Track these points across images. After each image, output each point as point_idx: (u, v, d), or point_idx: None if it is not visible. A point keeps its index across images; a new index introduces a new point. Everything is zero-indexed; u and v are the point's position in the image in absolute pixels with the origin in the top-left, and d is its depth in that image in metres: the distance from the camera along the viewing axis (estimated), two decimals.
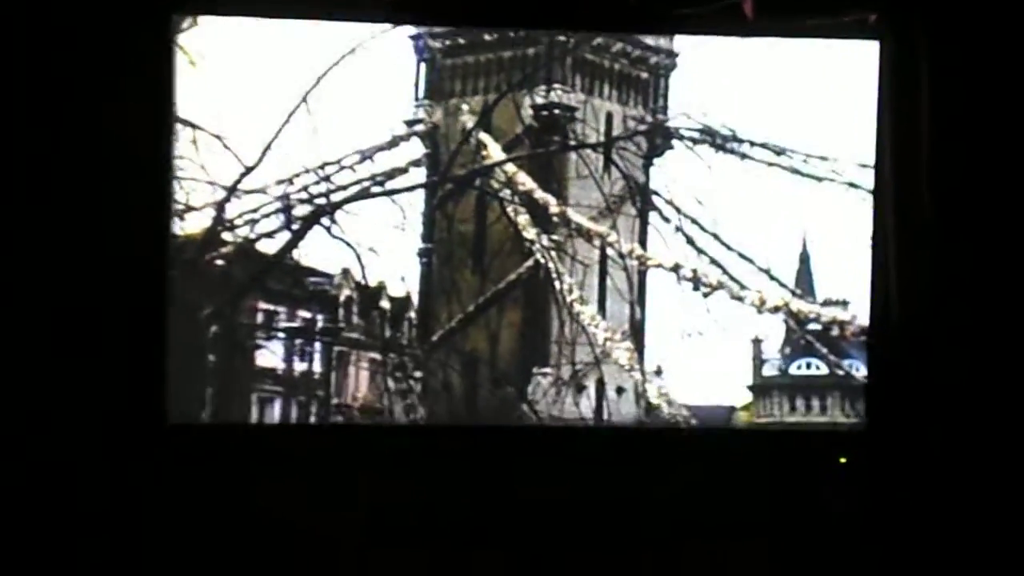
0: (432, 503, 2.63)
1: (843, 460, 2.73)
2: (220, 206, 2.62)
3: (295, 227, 2.65)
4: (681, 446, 2.77)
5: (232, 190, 2.62)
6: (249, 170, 2.63)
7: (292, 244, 2.65)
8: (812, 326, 2.86)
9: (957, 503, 2.61)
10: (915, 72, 2.70)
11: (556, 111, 2.79)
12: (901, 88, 2.72)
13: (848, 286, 2.83)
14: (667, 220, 2.81)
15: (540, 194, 2.79)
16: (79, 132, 2.53)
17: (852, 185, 2.78)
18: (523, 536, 2.63)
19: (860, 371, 2.86)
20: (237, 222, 2.65)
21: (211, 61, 2.60)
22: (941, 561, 2.58)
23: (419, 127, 2.74)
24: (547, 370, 2.76)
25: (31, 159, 2.53)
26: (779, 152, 2.78)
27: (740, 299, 2.79)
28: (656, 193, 2.81)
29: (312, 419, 2.71)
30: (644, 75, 2.85)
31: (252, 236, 2.65)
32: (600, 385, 2.79)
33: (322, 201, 2.67)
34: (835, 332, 2.84)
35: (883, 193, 2.74)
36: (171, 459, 2.56)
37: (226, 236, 2.64)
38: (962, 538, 2.59)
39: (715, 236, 2.81)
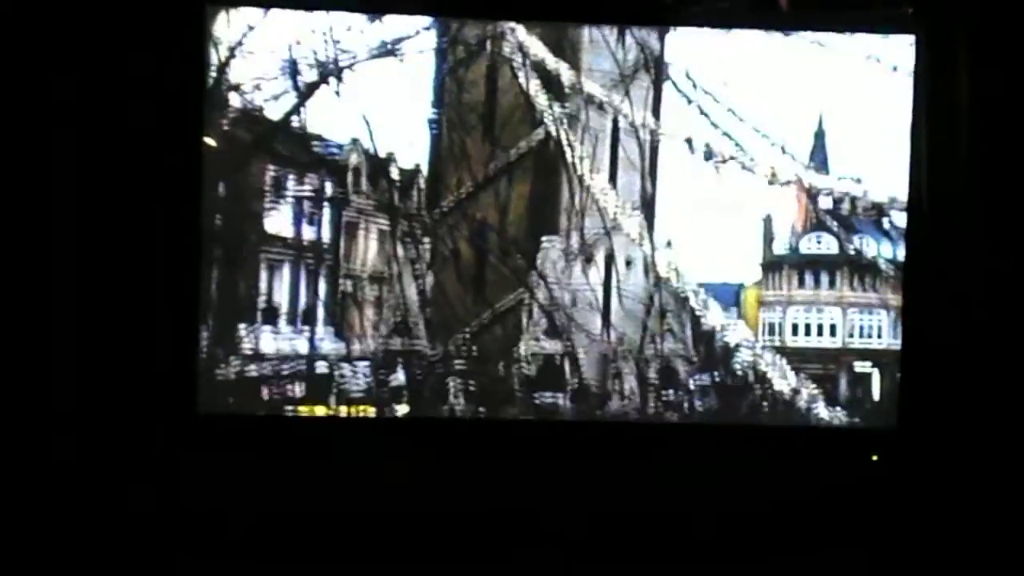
0: (461, 494, 2.64)
1: (875, 458, 2.72)
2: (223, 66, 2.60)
3: (302, 88, 2.63)
4: (707, 443, 2.75)
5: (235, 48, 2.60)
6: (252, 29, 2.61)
7: (299, 105, 2.63)
8: (824, 202, 2.84)
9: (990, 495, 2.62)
10: (951, 65, 2.66)
11: None
12: (937, 83, 2.68)
13: (862, 163, 2.80)
14: (681, 92, 2.77)
15: (552, 62, 2.74)
16: (114, 127, 2.52)
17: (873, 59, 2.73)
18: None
19: (869, 247, 2.86)
20: (245, 86, 2.63)
21: None
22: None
23: None
24: (556, 240, 2.75)
25: (66, 149, 2.52)
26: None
27: (752, 171, 2.76)
28: (670, 64, 2.76)
29: (321, 285, 2.74)
30: None
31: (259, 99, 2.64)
32: (609, 257, 2.79)
33: (330, 64, 2.64)
34: (847, 207, 2.82)
35: (920, 201, 2.71)
36: (200, 448, 2.59)
37: (232, 99, 2.63)
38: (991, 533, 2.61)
39: (729, 109, 2.77)
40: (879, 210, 2.79)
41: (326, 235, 2.73)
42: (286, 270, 2.71)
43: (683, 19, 2.74)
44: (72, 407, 2.53)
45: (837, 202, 2.82)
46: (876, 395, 2.82)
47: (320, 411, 2.69)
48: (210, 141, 2.61)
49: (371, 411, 2.69)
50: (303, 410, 2.69)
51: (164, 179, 2.55)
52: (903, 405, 2.72)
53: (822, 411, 2.76)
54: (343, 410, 2.68)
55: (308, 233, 2.73)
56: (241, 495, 2.58)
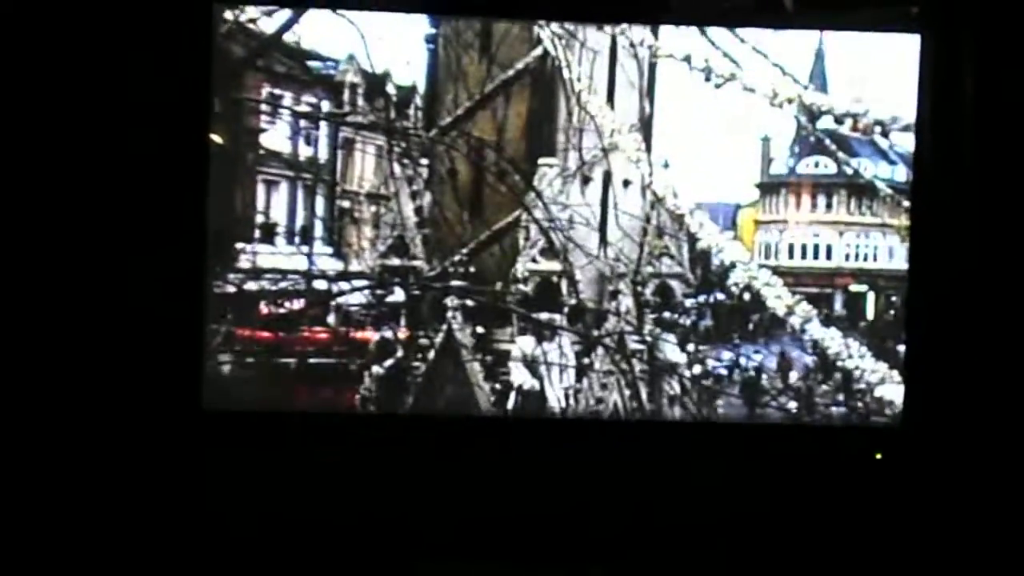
0: (464, 491, 2.68)
1: (879, 456, 2.72)
2: None
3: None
4: (707, 441, 2.76)
5: None
6: None
7: (293, 20, 2.60)
8: (823, 123, 2.83)
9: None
10: (957, 65, 2.66)
11: None
12: (943, 82, 2.67)
13: (863, 83, 2.78)
14: None
15: None
16: (120, 124, 2.53)
17: None
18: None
19: (868, 170, 2.85)
20: None
21: None
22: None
23: None
24: (553, 160, 2.75)
25: (70, 145, 2.53)
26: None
27: (752, 90, 2.74)
28: None
29: (319, 203, 2.73)
30: None
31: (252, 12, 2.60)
32: (606, 177, 2.78)
33: None
34: (847, 127, 2.81)
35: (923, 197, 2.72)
36: (205, 445, 2.60)
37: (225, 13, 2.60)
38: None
39: (729, 28, 2.75)
40: (882, 127, 2.78)
41: (323, 153, 2.73)
42: (283, 188, 2.71)
43: (686, 19, 2.73)
44: (73, 402, 2.55)
45: (838, 121, 2.81)
46: (871, 315, 2.85)
47: (321, 333, 2.72)
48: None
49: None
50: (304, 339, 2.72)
51: (169, 178, 2.56)
52: (908, 403, 2.72)
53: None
54: (342, 330, 2.71)
55: (305, 151, 2.73)
56: (246, 492, 2.61)
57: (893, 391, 2.75)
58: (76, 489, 2.56)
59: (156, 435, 2.57)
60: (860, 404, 2.76)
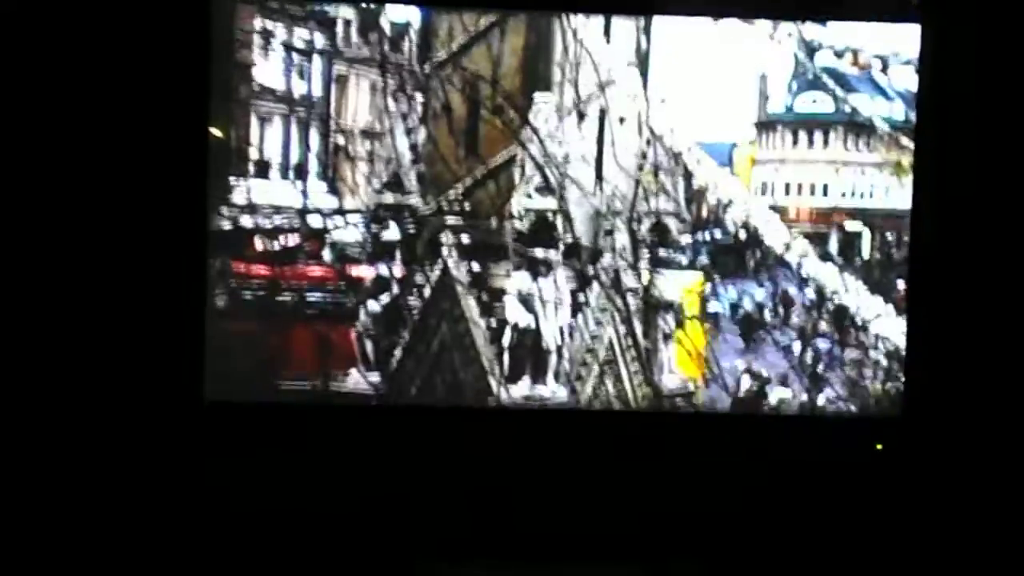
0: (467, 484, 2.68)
1: (879, 447, 2.72)
2: None
3: None
4: (707, 431, 2.76)
5: None
6: None
7: None
8: (822, 58, 2.81)
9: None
10: (958, 55, 2.65)
11: None
12: (943, 72, 2.67)
13: (862, 15, 2.76)
14: None
15: None
16: (119, 119, 2.53)
17: None
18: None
19: (866, 108, 2.84)
20: None
21: None
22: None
23: None
24: (549, 96, 2.73)
25: (70, 139, 2.54)
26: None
27: (751, 24, 2.72)
28: None
29: (313, 139, 2.71)
30: None
31: None
32: (602, 113, 2.76)
33: None
34: (847, 62, 2.79)
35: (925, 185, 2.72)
36: (208, 437, 2.60)
37: None
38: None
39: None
40: (882, 62, 2.76)
41: (317, 89, 2.71)
42: (277, 123, 2.69)
43: (683, 9, 2.71)
44: (76, 394, 2.57)
45: (837, 55, 2.79)
46: (866, 253, 2.85)
47: (316, 272, 2.72)
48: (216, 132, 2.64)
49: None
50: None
51: (167, 173, 2.56)
52: (908, 393, 2.73)
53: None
54: (337, 267, 2.71)
55: (299, 87, 2.71)
56: (251, 485, 2.61)
57: (889, 326, 2.78)
58: (79, 481, 2.57)
59: (158, 428, 2.58)
60: (855, 343, 2.79)
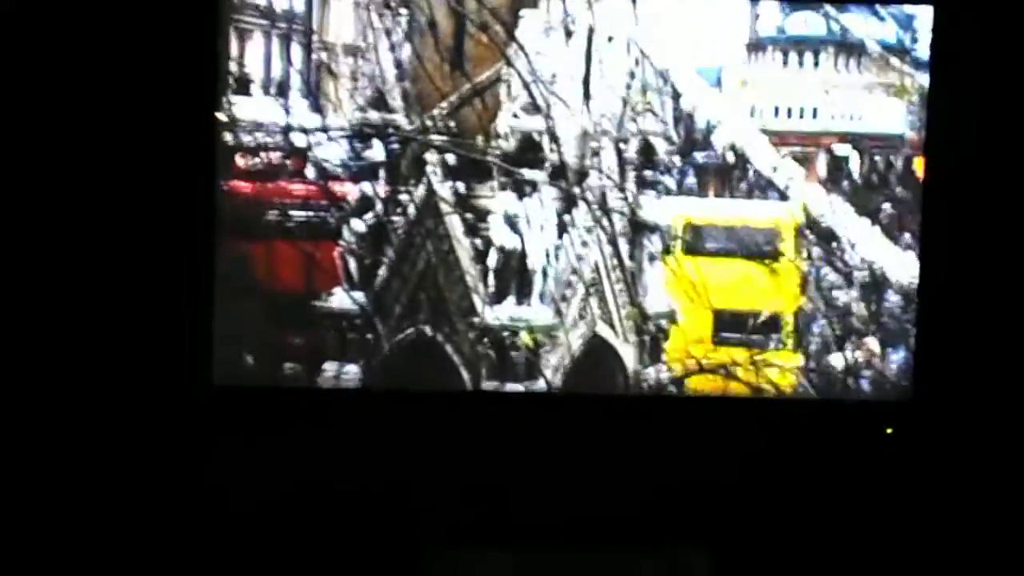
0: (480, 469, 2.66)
1: (889, 431, 2.69)
2: None
3: None
4: (718, 416, 2.74)
5: None
6: None
7: None
8: None
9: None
10: (970, 38, 2.62)
11: None
12: (956, 54, 2.65)
13: None
14: None
15: None
16: (126, 112, 2.53)
17: None
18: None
19: (857, 29, 2.80)
20: None
21: None
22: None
23: None
24: (536, 11, 2.68)
25: (78, 131, 2.53)
26: None
27: None
28: None
29: (295, 55, 2.67)
30: None
31: None
32: (590, 31, 2.72)
33: None
34: None
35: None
36: (217, 420, 2.59)
37: None
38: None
39: None
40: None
41: (299, 3, 2.65)
42: (258, 39, 2.64)
43: None
44: (83, 383, 2.56)
45: None
46: (857, 176, 2.83)
47: (298, 188, 2.69)
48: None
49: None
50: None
51: (175, 170, 2.56)
52: (918, 375, 2.70)
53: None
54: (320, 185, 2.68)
55: (280, 1, 2.65)
56: (260, 471, 2.60)
57: (875, 250, 2.77)
58: (85, 471, 2.57)
59: (167, 413, 2.58)
60: (840, 264, 2.78)
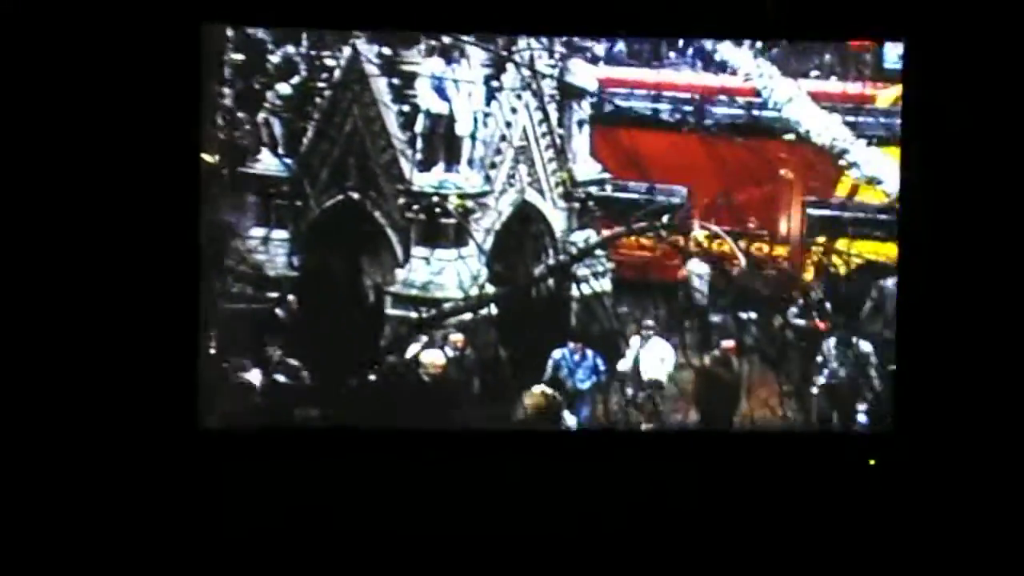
0: (463, 503, 2.62)
1: (872, 463, 2.69)
2: None
3: None
4: (702, 448, 2.74)
5: None
6: None
7: None
8: None
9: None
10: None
11: None
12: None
13: None
14: None
15: None
16: (109, 140, 2.49)
17: None
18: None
19: None
20: None
21: None
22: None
23: None
24: None
25: (62, 159, 2.49)
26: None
27: None
28: None
29: None
30: None
31: None
32: None
33: None
34: None
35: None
36: (202, 462, 2.55)
37: None
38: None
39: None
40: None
41: None
42: None
43: (673, 30, 2.69)
44: (71, 420, 2.51)
45: None
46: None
47: None
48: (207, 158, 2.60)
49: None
50: None
51: (159, 196, 2.51)
52: (899, 408, 2.71)
53: None
54: None
55: None
56: (244, 509, 2.57)
57: (798, 109, 2.77)
58: (72, 506, 2.53)
59: (153, 455, 2.54)
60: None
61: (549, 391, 2.74)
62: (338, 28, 2.63)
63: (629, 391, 2.77)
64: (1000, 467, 2.65)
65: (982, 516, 2.64)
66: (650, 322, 2.79)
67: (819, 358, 2.78)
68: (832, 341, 2.78)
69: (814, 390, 2.79)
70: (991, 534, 2.62)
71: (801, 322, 2.80)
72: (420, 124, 2.70)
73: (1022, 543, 2.60)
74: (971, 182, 2.66)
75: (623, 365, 2.78)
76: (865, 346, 2.77)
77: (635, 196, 2.81)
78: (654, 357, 2.78)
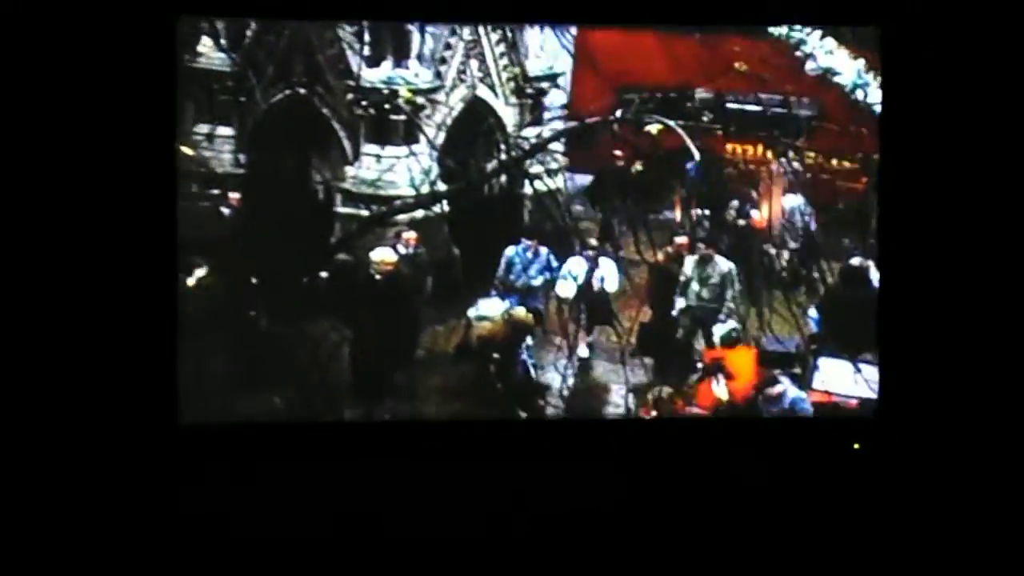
0: (451, 497, 2.57)
1: (857, 447, 2.66)
2: None
3: None
4: (689, 436, 2.71)
5: None
6: None
7: None
8: None
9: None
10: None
11: None
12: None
13: None
14: None
15: None
16: (83, 135, 2.40)
17: None
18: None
19: None
20: None
21: None
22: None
23: None
24: None
25: (38, 158, 2.41)
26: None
27: None
28: None
29: None
30: None
31: None
32: None
33: None
34: None
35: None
36: (183, 458, 2.49)
37: None
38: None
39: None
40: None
41: None
42: None
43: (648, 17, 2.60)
44: (51, 420, 2.45)
45: None
46: None
47: None
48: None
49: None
50: None
51: (136, 193, 2.44)
52: (884, 393, 2.69)
53: None
54: None
55: None
56: (227, 506, 2.51)
57: None
58: (55, 504, 2.47)
59: (134, 451, 2.48)
60: None
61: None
62: None
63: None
64: (984, 451, 2.65)
65: (966, 499, 2.64)
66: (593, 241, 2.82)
67: None
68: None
69: None
70: (976, 516, 2.63)
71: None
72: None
73: (1006, 524, 2.61)
74: (951, 170, 2.64)
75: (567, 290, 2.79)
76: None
77: None
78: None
